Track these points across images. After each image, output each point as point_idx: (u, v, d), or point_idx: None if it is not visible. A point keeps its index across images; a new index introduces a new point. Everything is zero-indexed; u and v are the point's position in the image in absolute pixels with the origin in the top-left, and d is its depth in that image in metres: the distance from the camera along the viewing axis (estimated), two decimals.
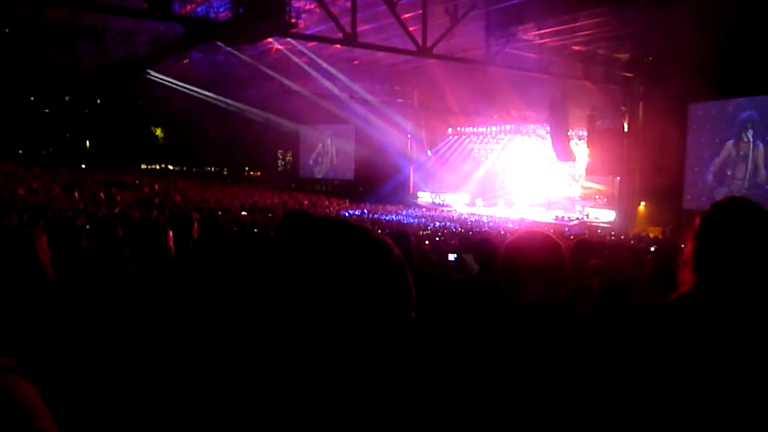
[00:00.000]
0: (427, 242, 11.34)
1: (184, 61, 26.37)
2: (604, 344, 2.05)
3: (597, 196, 28.67)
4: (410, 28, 18.45)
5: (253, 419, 0.79)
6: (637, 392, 1.51)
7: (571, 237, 14.91)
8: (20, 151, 31.78)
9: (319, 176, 40.44)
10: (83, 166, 30.41)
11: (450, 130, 34.32)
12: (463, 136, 34.37)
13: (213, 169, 40.70)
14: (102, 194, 23.00)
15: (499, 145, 33.57)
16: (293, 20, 17.62)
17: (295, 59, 30.53)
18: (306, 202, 29.13)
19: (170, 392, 1.75)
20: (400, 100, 31.59)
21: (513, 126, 31.89)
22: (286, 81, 30.01)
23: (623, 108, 24.15)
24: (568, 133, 26.68)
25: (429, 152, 34.81)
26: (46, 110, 34.96)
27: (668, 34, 18.40)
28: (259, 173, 41.62)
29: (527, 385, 1.53)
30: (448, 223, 23.20)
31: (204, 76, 30.68)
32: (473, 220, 26.25)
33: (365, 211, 28.23)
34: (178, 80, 29.40)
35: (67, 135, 35.77)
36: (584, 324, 2.67)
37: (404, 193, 35.79)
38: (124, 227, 6.76)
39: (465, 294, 3.95)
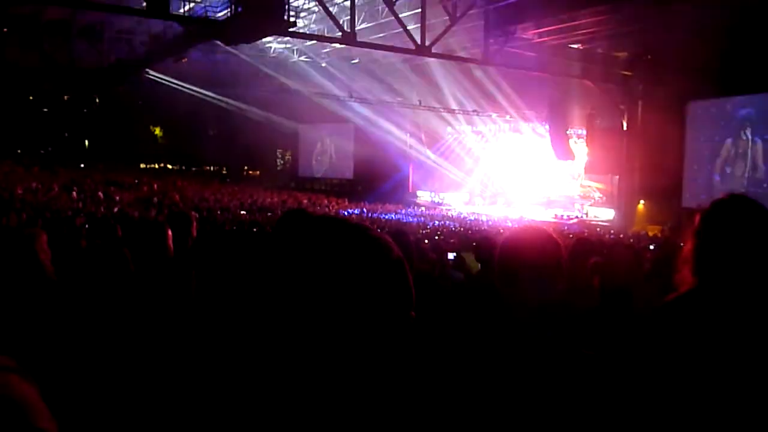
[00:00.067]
0: (426, 241, 11.35)
1: (183, 61, 26.32)
2: (605, 343, 2.05)
3: (596, 194, 28.67)
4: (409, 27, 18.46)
5: (252, 419, 0.79)
6: (638, 392, 1.50)
7: (570, 236, 14.92)
8: (19, 151, 31.75)
9: (318, 175, 40.44)
10: (82, 165, 30.37)
11: (449, 129, 34.30)
12: (463, 135, 34.34)
13: (212, 168, 40.69)
14: (101, 194, 22.99)
15: (499, 144, 33.57)
16: (292, 19, 17.61)
17: (294, 58, 30.59)
18: (305, 201, 29.14)
19: (170, 391, 1.75)
20: (399, 99, 31.59)
21: (512, 125, 31.89)
22: (285, 80, 30.01)
23: (622, 107, 24.17)
24: (567, 132, 26.68)
25: (428, 151, 34.80)
26: (45, 110, 34.93)
27: (667, 33, 18.42)
28: (258, 172, 41.62)
29: (526, 385, 1.52)
30: (447, 222, 23.22)
31: (203, 76, 30.67)
32: (472, 219, 26.27)
33: (364, 210, 28.24)
34: (177, 79, 29.38)
35: (66, 134, 35.75)
36: (584, 323, 2.68)
37: (403, 192, 35.81)
38: (123, 227, 6.76)
39: (465, 293, 3.95)
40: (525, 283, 1.66)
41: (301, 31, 21.75)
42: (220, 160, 40.24)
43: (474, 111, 30.47)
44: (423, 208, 32.44)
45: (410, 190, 36.57)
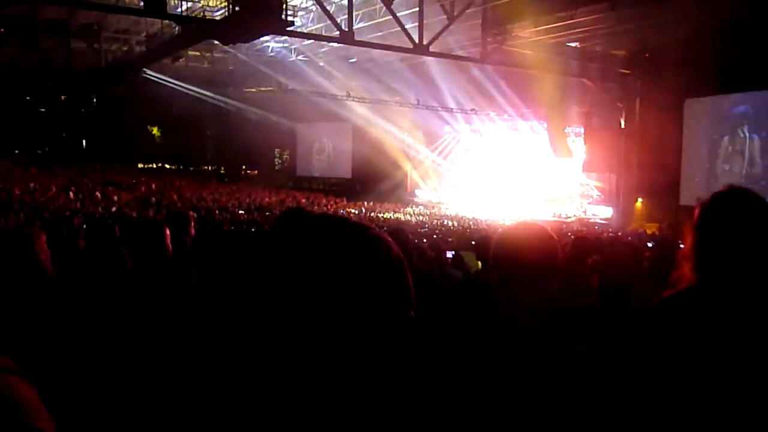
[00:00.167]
0: (425, 240, 11.35)
1: (181, 60, 26.30)
2: (604, 341, 2.05)
3: (594, 192, 28.69)
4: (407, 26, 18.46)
5: (251, 418, 0.79)
6: (634, 389, 1.50)
7: (569, 234, 14.93)
8: (16, 151, 31.69)
9: (316, 174, 40.41)
10: (80, 165, 30.31)
11: (447, 127, 34.30)
12: (461, 134, 34.34)
13: (210, 167, 40.63)
14: (98, 193, 22.97)
15: (497, 142, 33.57)
16: (289, 18, 17.60)
17: (292, 57, 30.57)
18: (303, 201, 29.13)
19: (169, 391, 1.75)
20: (397, 98, 31.59)
21: (510, 123, 31.90)
22: (283, 79, 29.99)
23: (620, 105, 24.18)
24: (565, 130, 26.69)
25: (426, 150, 34.79)
26: (42, 110, 34.86)
27: (664, 31, 18.43)
28: (256, 172, 41.56)
29: (523, 383, 1.52)
30: (445, 221, 23.24)
31: (200, 75, 30.65)
32: (471, 217, 26.28)
33: (363, 209, 28.26)
34: (175, 79, 29.36)
35: (64, 134, 35.68)
36: (583, 321, 2.68)
37: (402, 191, 35.81)
38: (121, 227, 6.76)
39: (463, 292, 3.94)
40: (520, 279, 1.65)
41: (298, 30, 21.74)
42: (218, 159, 40.19)
43: (472, 110, 30.47)
44: (421, 207, 32.46)
45: (408, 189, 36.57)
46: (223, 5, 18.11)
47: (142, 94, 32.47)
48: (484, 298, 1.73)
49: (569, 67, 22.76)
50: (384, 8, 19.13)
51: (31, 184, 22.65)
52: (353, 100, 30.92)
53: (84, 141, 36.45)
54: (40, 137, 34.27)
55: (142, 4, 15.91)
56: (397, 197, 34.05)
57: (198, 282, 2.99)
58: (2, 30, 25.70)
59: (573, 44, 22.29)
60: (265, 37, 25.20)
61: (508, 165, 33.28)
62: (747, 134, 21.30)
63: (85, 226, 9.67)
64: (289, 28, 18.11)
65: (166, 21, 20.01)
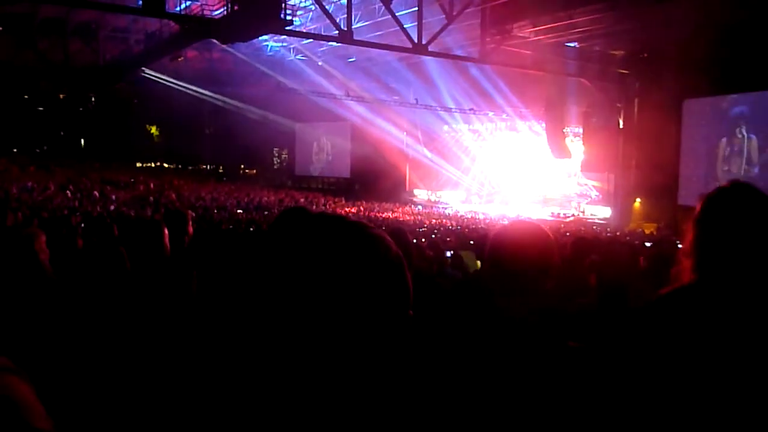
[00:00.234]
0: (423, 240, 11.35)
1: (179, 59, 26.28)
2: (602, 340, 2.05)
3: (593, 192, 28.71)
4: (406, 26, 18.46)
5: (250, 417, 0.79)
6: (632, 386, 1.49)
7: (567, 234, 14.94)
8: (15, 150, 31.66)
9: (315, 174, 40.43)
10: (78, 164, 30.30)
11: (446, 127, 34.31)
12: (459, 133, 34.36)
13: (208, 167, 40.63)
14: (96, 192, 22.95)
15: (495, 142, 33.59)
16: (288, 17, 17.59)
17: (291, 56, 30.55)
18: (302, 200, 29.14)
19: (168, 391, 1.75)
20: (396, 97, 31.59)
21: (509, 123, 31.92)
22: (281, 79, 29.99)
23: (618, 105, 24.19)
24: (564, 130, 26.71)
25: (425, 150, 34.80)
26: (41, 108, 34.82)
27: (663, 31, 18.44)
28: (254, 171, 41.57)
29: (519, 382, 1.52)
30: (444, 221, 23.24)
31: (199, 74, 30.62)
32: (469, 217, 26.29)
33: (361, 208, 28.26)
34: (173, 78, 29.34)
35: (62, 133, 35.65)
36: (581, 320, 2.68)
37: (400, 190, 35.82)
38: (120, 225, 6.75)
39: (461, 291, 3.94)
40: (516, 277, 1.65)
41: (297, 29, 21.73)
42: (217, 158, 40.19)
43: (471, 109, 30.48)
44: (420, 207, 32.47)
45: (407, 189, 36.58)
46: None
47: (140, 93, 32.47)
48: (482, 296, 1.73)
49: (568, 67, 22.77)
50: (383, 7, 19.13)
51: (29, 183, 22.63)
52: (352, 100, 30.91)
53: (82, 140, 36.42)
54: (38, 136, 34.24)
55: (140, 3, 15.88)
56: (395, 197, 34.06)
57: (197, 281, 2.99)
58: (0, 28, 25.67)
59: (572, 44, 22.30)
60: (264, 37, 25.19)
61: (506, 165, 33.30)
62: (745, 134, 21.34)
63: (83, 225, 9.66)
64: (288, 28, 18.11)
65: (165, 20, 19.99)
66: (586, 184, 29.22)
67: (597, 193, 28.38)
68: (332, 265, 0.79)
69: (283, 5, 16.54)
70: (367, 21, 23.16)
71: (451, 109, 31.00)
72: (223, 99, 33.00)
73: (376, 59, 28.83)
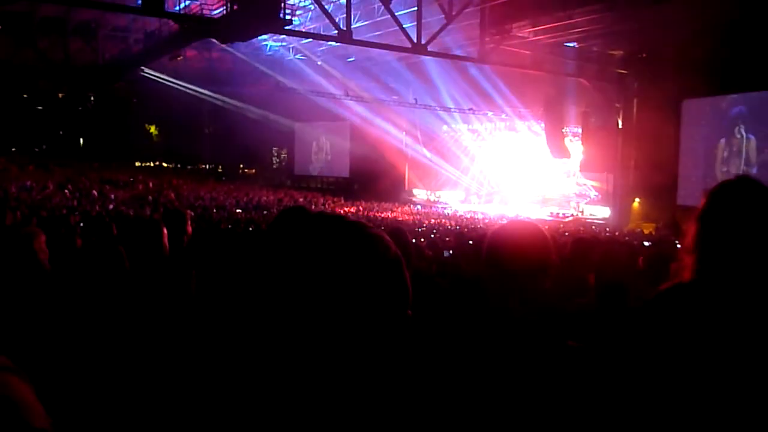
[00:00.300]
0: (422, 239, 11.34)
1: (179, 59, 26.27)
2: (601, 339, 2.05)
3: (592, 192, 28.72)
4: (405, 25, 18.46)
5: (250, 417, 0.79)
6: (630, 383, 1.49)
7: (566, 233, 14.95)
8: (13, 149, 31.63)
9: (314, 173, 40.42)
10: (77, 163, 30.28)
11: (445, 127, 34.31)
12: (458, 133, 34.35)
13: (208, 166, 40.60)
14: (95, 192, 22.94)
15: (494, 142, 33.58)
16: (288, 17, 17.58)
17: (290, 56, 30.53)
18: (301, 200, 29.14)
19: (167, 390, 1.75)
20: (395, 97, 31.58)
21: (508, 123, 31.91)
22: (281, 78, 29.97)
23: (617, 105, 24.20)
24: (563, 131, 26.71)
25: (424, 149, 34.79)
26: (40, 107, 34.79)
27: (662, 31, 18.46)
28: (254, 170, 41.56)
29: (521, 382, 1.52)
30: (443, 220, 23.24)
31: (198, 74, 30.61)
32: (468, 217, 26.29)
33: (360, 208, 28.26)
34: (173, 77, 29.32)
35: (61, 132, 35.61)
36: (580, 319, 2.68)
37: (400, 190, 35.82)
38: (118, 225, 6.74)
39: (460, 290, 3.95)
40: (512, 276, 1.65)
41: (296, 29, 21.72)
42: (216, 158, 40.16)
43: (470, 109, 30.48)
44: (419, 206, 32.47)
45: (406, 189, 36.58)
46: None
47: (139, 92, 32.44)
48: (480, 296, 1.73)
49: (567, 67, 22.78)
50: (382, 7, 19.13)
51: (28, 182, 22.61)
52: (351, 99, 30.91)
53: (81, 139, 36.39)
54: (37, 135, 34.20)
55: (140, 2, 15.86)
56: (394, 196, 34.06)
57: (196, 281, 2.99)
58: (0, 27, 25.65)
59: (571, 44, 22.31)
60: (263, 36, 25.18)
61: (505, 164, 33.29)
62: (744, 134, 21.36)
63: (82, 225, 9.65)
64: (287, 27, 18.10)
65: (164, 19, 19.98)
66: (585, 184, 29.22)
67: (596, 193, 28.39)
68: (331, 265, 0.79)
69: (283, 5, 16.53)
70: (366, 21, 23.16)
71: (450, 108, 31.00)
72: (222, 98, 32.99)
73: (376, 59, 28.83)
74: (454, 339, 1.63)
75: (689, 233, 1.54)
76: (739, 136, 21.49)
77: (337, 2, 21.06)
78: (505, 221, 1.93)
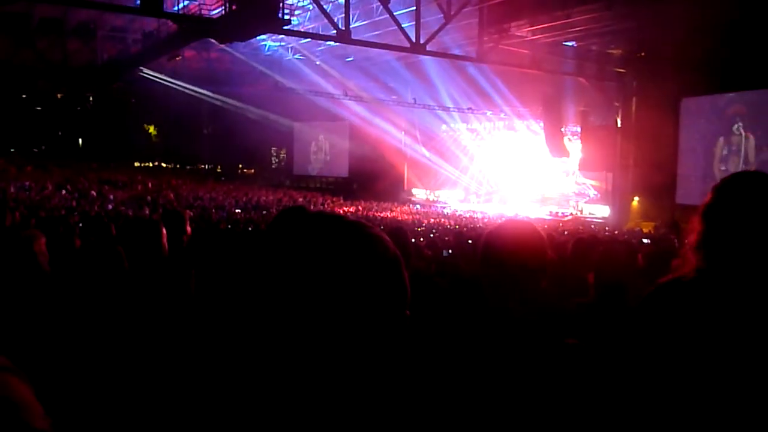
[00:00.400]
0: (421, 239, 11.34)
1: (177, 59, 26.25)
2: (599, 337, 2.05)
3: (591, 191, 28.74)
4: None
5: (248, 417, 0.79)
6: (628, 381, 1.48)
7: (565, 232, 14.94)
8: (12, 150, 31.61)
9: (313, 173, 40.42)
10: (76, 164, 30.27)
11: (444, 126, 34.31)
12: (457, 133, 34.36)
13: (207, 166, 40.59)
14: (93, 192, 22.93)
15: (493, 141, 33.59)
16: (286, 17, 17.57)
17: (289, 56, 30.51)
18: (300, 200, 29.14)
19: (166, 390, 1.75)
20: (394, 97, 31.58)
21: (507, 122, 31.92)
22: (279, 78, 29.95)
23: (616, 104, 24.21)
24: (562, 130, 26.73)
25: (423, 149, 34.81)
26: (38, 108, 34.77)
27: (660, 30, 18.47)
28: (253, 170, 41.56)
29: (519, 380, 1.52)
30: (442, 220, 23.24)
31: (197, 74, 30.58)
32: (468, 216, 26.30)
33: (360, 208, 28.27)
34: (171, 78, 29.28)
35: (60, 133, 35.59)
36: (579, 318, 2.68)
37: (399, 190, 35.83)
38: (117, 225, 6.74)
39: (460, 289, 3.95)
40: (508, 275, 1.66)
41: (295, 29, 21.71)
42: (215, 158, 40.15)
43: (469, 108, 30.48)
44: (418, 206, 32.48)
45: (405, 188, 36.59)
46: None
47: (138, 92, 32.42)
48: (478, 295, 1.74)
49: (565, 66, 22.80)
50: (381, 7, 19.13)
51: (27, 183, 22.60)
52: (350, 99, 30.90)
53: (80, 139, 36.38)
54: (35, 136, 34.19)
55: (138, 2, 15.85)
56: (393, 196, 34.07)
57: (195, 281, 2.99)
58: None
59: (569, 43, 22.32)
60: (262, 36, 25.17)
61: (504, 164, 33.30)
62: (743, 133, 21.37)
63: (80, 225, 9.64)
64: (285, 27, 18.09)
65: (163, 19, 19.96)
66: (584, 183, 29.24)
67: (595, 192, 28.41)
68: (330, 265, 0.79)
69: (281, 5, 16.52)
70: (365, 20, 23.15)
71: (449, 108, 31.00)
72: (221, 98, 32.96)
73: (374, 59, 28.82)
74: (453, 338, 1.63)
75: (693, 229, 1.52)
76: (738, 134, 21.50)
77: (336, 2, 21.05)
78: (502, 221, 1.93)
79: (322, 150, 39.69)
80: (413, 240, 6.84)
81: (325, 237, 0.82)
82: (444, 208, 32.08)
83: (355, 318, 0.79)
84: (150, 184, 27.81)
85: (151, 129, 39.30)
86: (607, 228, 21.90)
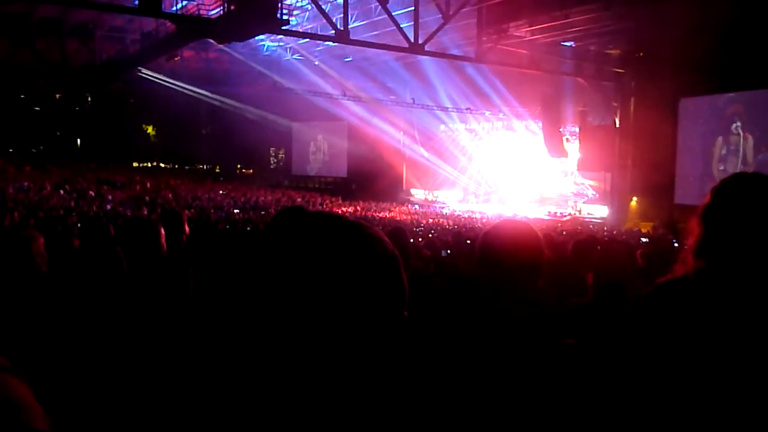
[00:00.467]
0: (420, 239, 11.35)
1: (176, 59, 26.23)
2: (598, 337, 2.06)
3: (589, 191, 28.77)
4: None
5: (247, 417, 0.79)
6: (632, 381, 1.48)
7: (564, 233, 14.95)
8: (11, 150, 31.59)
9: (312, 173, 40.42)
10: (74, 164, 30.26)
11: (442, 126, 34.33)
12: (456, 133, 34.38)
13: (205, 166, 40.59)
14: (92, 192, 22.92)
15: (492, 141, 33.61)
16: (285, 17, 17.57)
17: (287, 56, 30.50)
18: (299, 200, 29.13)
19: (165, 390, 1.75)
20: (392, 97, 31.58)
21: (505, 123, 31.94)
22: (278, 78, 29.94)
23: (615, 104, 24.24)
24: (560, 130, 26.75)
25: (422, 149, 34.82)
26: (37, 108, 34.74)
27: (658, 30, 18.50)
28: (251, 171, 41.57)
29: (518, 380, 1.53)
30: (441, 220, 23.26)
31: (195, 74, 30.57)
32: (466, 216, 26.31)
33: (358, 208, 28.27)
34: (170, 78, 29.26)
35: (58, 133, 35.58)
36: (578, 317, 2.69)
37: (397, 190, 35.84)
38: (116, 225, 6.74)
39: (459, 289, 3.95)
40: (505, 275, 1.66)
41: (293, 29, 21.71)
42: (214, 158, 40.16)
43: (467, 109, 30.49)
44: (417, 206, 32.48)
45: (404, 188, 36.60)
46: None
47: (136, 92, 32.41)
48: (476, 295, 1.74)
49: (564, 67, 22.82)
50: (379, 7, 19.12)
51: (26, 183, 22.58)
52: (349, 99, 30.90)
53: (78, 140, 36.36)
54: (34, 136, 34.17)
55: (136, 2, 15.84)
56: (392, 196, 34.08)
57: (194, 281, 2.99)
58: None
59: (568, 43, 22.34)
60: (261, 36, 25.15)
61: (503, 164, 33.32)
62: (741, 133, 21.40)
63: (79, 225, 9.64)
64: (284, 27, 18.08)
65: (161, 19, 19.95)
66: (582, 183, 29.26)
67: (593, 192, 28.43)
68: (329, 265, 0.79)
69: (280, 5, 16.52)
70: (363, 20, 23.15)
71: (447, 108, 31.01)
72: (219, 99, 32.95)
73: (373, 59, 28.82)
74: (452, 338, 1.64)
75: (692, 232, 1.52)
76: (736, 134, 21.53)
77: (334, 2, 21.05)
78: (498, 221, 1.94)
79: (321, 150, 39.69)
80: (412, 240, 6.84)
81: (324, 237, 0.82)
82: (442, 208, 32.09)
83: (354, 318, 0.79)
84: (148, 185, 27.79)
85: (150, 129, 39.30)
86: (605, 228, 21.91)
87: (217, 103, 33.19)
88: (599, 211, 26.84)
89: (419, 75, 28.55)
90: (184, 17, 18.82)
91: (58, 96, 34.71)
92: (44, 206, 16.53)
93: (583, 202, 28.80)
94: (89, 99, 35.54)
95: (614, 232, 18.92)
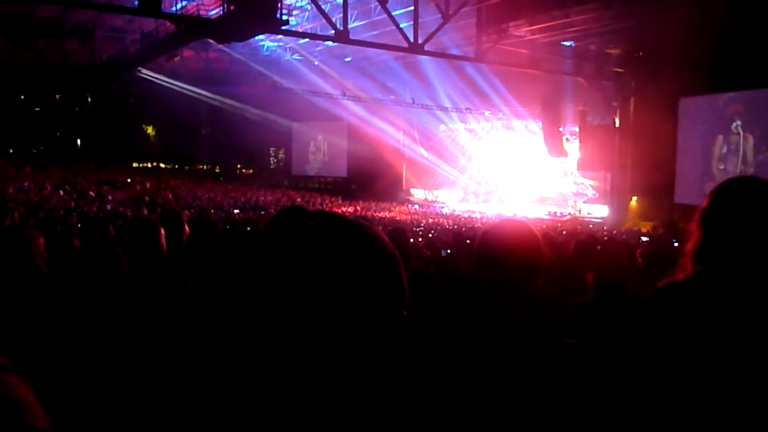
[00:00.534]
0: (420, 239, 11.35)
1: (176, 59, 26.22)
2: (598, 338, 2.06)
3: (589, 191, 28.76)
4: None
5: (247, 416, 0.79)
6: (631, 383, 1.49)
7: (564, 232, 14.96)
8: (11, 150, 31.59)
9: (311, 173, 40.43)
10: (74, 164, 30.26)
11: (442, 126, 34.33)
12: (456, 133, 34.38)
13: (205, 166, 40.59)
14: (92, 192, 22.92)
15: (492, 141, 33.61)
16: (284, 17, 17.57)
17: (287, 56, 30.51)
18: (299, 200, 29.15)
19: (166, 390, 1.75)
20: (392, 97, 31.58)
21: (505, 122, 31.94)
22: (278, 78, 29.94)
23: (614, 103, 24.23)
24: (560, 129, 26.75)
25: (421, 149, 34.82)
26: (37, 108, 34.74)
27: (659, 29, 18.48)
28: (251, 171, 41.57)
29: (517, 380, 1.53)
30: (441, 220, 23.26)
31: (195, 74, 30.57)
32: (466, 216, 26.32)
33: (358, 208, 28.28)
34: (170, 78, 29.26)
35: (58, 133, 35.58)
36: (578, 317, 2.69)
37: (397, 190, 35.84)
38: (116, 225, 6.74)
39: (458, 289, 3.95)
40: (504, 275, 1.66)
41: (293, 29, 21.70)
42: (214, 158, 40.16)
43: (467, 108, 30.49)
44: (416, 206, 32.48)
45: (404, 188, 36.61)
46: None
47: (136, 93, 32.40)
48: (476, 295, 1.74)
49: (564, 66, 22.81)
50: (379, 7, 19.12)
51: (26, 183, 22.58)
52: (348, 99, 30.90)
53: (78, 140, 36.36)
54: (34, 136, 34.18)
55: (136, 2, 15.84)
56: (392, 196, 34.08)
57: (194, 280, 2.99)
58: None
59: (568, 43, 22.34)
60: (260, 36, 25.15)
61: (503, 164, 33.32)
62: (741, 132, 21.39)
63: (79, 225, 9.63)
64: (284, 27, 18.07)
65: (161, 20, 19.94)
66: (582, 183, 29.26)
67: (593, 192, 28.42)
68: (328, 264, 0.79)
69: (279, 5, 16.51)
70: (363, 20, 23.14)
71: (447, 108, 31.01)
72: (219, 99, 32.94)
73: (373, 59, 28.82)
74: (452, 337, 1.64)
75: (691, 235, 1.52)
76: (736, 133, 21.51)
77: (334, 2, 21.05)
78: (497, 220, 1.94)
79: (321, 150, 39.69)
80: (412, 240, 6.85)
81: (324, 236, 0.82)
82: (442, 208, 32.10)
83: (354, 318, 0.79)
84: (148, 185, 27.80)
85: (150, 129, 39.30)
86: (605, 228, 21.91)
87: (217, 103, 33.19)
88: (599, 211, 26.84)
89: (419, 75, 28.55)
90: (184, 17, 18.82)
91: (58, 96, 34.71)
92: (44, 206, 16.53)
93: (583, 202, 28.80)
94: (89, 99, 35.55)
95: (614, 232, 18.92)
